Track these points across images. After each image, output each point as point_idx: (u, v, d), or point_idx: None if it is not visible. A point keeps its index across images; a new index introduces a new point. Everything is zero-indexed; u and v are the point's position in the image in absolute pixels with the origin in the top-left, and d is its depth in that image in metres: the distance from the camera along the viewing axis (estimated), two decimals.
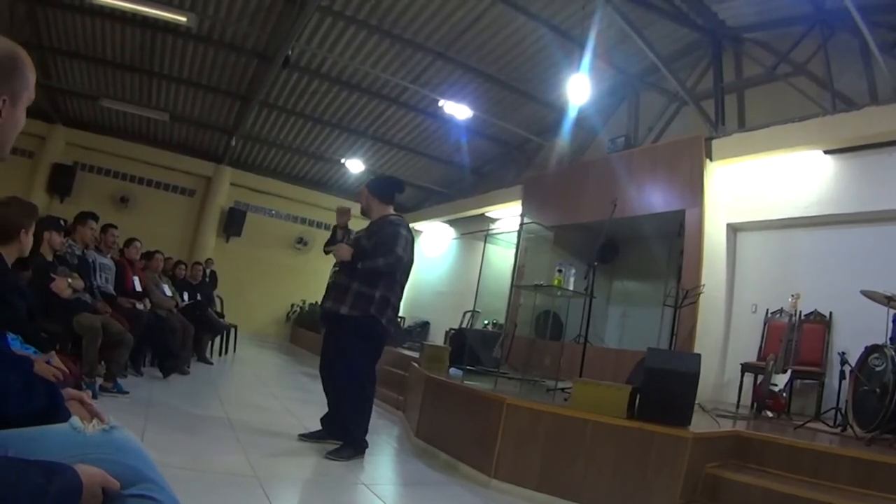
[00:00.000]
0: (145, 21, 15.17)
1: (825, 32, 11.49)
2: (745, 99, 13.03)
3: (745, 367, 10.48)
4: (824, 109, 10.84)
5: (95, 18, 15.50)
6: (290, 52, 14.61)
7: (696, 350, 10.14)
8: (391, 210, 7.34)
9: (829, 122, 10.45)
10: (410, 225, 7.43)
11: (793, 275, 11.04)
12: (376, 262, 6.72)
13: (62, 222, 8.06)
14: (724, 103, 12.92)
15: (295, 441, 6.99)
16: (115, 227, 9.70)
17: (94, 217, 8.92)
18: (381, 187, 7.42)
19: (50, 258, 7.10)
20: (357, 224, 7.44)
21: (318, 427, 7.16)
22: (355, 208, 7.70)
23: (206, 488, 4.70)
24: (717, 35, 13.33)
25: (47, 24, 16.01)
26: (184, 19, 13.91)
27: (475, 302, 15.00)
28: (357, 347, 6.84)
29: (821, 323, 10.32)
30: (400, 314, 21.90)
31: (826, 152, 10.81)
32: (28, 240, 4.81)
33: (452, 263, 22.68)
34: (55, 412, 2.10)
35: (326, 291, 7.13)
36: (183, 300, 12.45)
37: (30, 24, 15.72)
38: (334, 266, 7.26)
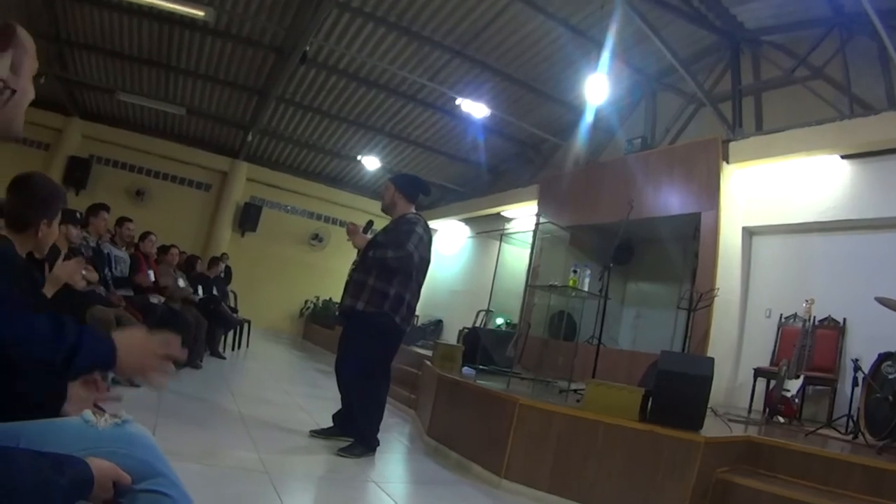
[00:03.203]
0: (162, 15, 15.26)
1: (843, 36, 11.46)
2: (763, 102, 13.00)
3: (758, 372, 10.45)
4: (842, 113, 10.81)
5: (113, 12, 15.58)
6: (307, 48, 14.70)
7: (710, 354, 10.13)
8: (413, 209, 7.35)
9: (846, 126, 10.42)
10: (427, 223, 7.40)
11: (807, 280, 11.01)
12: (386, 253, 6.75)
13: (79, 215, 8.07)
14: (741, 106, 12.90)
15: (306, 437, 7.00)
16: (131, 221, 9.72)
17: (106, 208, 8.91)
18: (408, 185, 7.43)
19: (65, 250, 7.11)
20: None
21: (330, 423, 7.17)
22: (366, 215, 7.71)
23: (217, 483, 4.71)
24: (736, 37, 13.31)
25: (65, 17, 16.10)
26: (202, 14, 13.94)
27: (489, 301, 15.01)
28: (371, 344, 6.85)
29: (834, 329, 10.30)
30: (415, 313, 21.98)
31: (843, 157, 10.78)
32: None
33: (467, 262, 22.69)
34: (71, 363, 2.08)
35: (345, 288, 7.15)
36: (197, 294, 12.45)
37: (47, 17, 15.78)
38: (353, 263, 7.25)
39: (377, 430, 6.90)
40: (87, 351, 1.99)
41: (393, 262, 6.71)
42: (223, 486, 4.73)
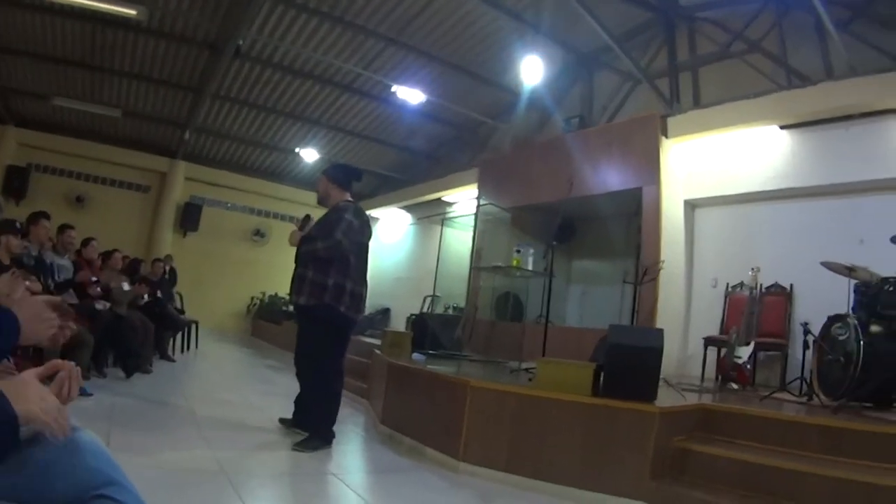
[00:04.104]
0: (94, 15, 14.99)
1: (779, 10, 11.58)
2: (700, 77, 13.10)
3: (708, 341, 10.56)
4: (779, 86, 10.95)
5: (44, 14, 15.29)
6: (240, 42, 14.60)
7: (658, 326, 10.22)
8: (347, 197, 7.36)
9: (784, 97, 10.58)
10: (367, 212, 7.42)
11: (752, 249, 11.14)
12: (315, 245, 6.84)
13: (18, 225, 7.97)
14: (678, 81, 13.03)
15: (262, 435, 7.00)
16: (73, 228, 9.62)
17: (46, 216, 8.84)
18: (339, 174, 7.47)
19: (7, 262, 7.02)
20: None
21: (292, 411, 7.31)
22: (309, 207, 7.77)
23: (175, 487, 4.67)
24: (671, 14, 13.41)
25: None
26: (133, 13, 13.78)
27: (434, 286, 15.01)
28: (317, 337, 6.92)
29: (781, 295, 10.47)
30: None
31: (782, 127, 10.90)
32: None
33: (410, 249, 22.72)
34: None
35: (290, 285, 7.18)
36: (143, 298, 12.33)
37: None
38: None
39: (333, 423, 6.92)
40: (6, 327, 1.99)
41: (323, 252, 6.77)
42: (181, 490, 4.69)
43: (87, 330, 8.25)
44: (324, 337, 6.91)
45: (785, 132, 10.91)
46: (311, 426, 6.83)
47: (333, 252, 6.75)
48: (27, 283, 6.64)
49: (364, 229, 7.16)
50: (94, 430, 2.07)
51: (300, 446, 6.52)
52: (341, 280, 6.82)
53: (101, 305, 9.76)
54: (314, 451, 6.51)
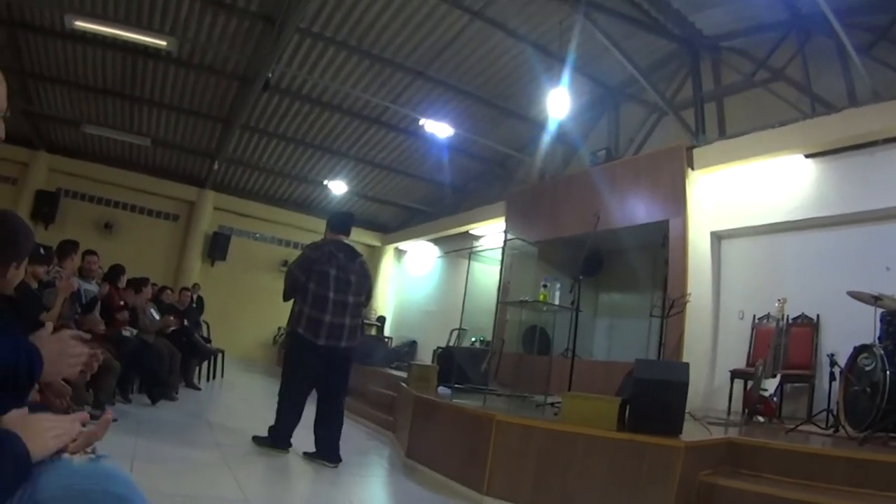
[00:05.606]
0: (126, 46, 15.11)
1: (801, 37, 11.58)
2: (725, 107, 13.08)
3: (735, 374, 10.54)
4: (804, 113, 10.90)
5: (77, 44, 15.45)
6: (270, 75, 14.59)
7: (685, 359, 10.16)
8: (336, 238, 8.00)
9: (809, 125, 10.53)
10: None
11: (778, 280, 11.10)
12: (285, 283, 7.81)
13: (42, 249, 8.00)
14: (703, 112, 12.98)
15: (287, 463, 7.02)
16: (95, 254, 9.69)
17: (77, 246, 8.90)
18: (334, 219, 8.26)
19: (35, 286, 7.06)
20: None
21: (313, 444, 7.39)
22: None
23: None
24: (695, 44, 13.40)
25: (28, 50, 15.93)
26: (164, 43, 13.91)
27: (461, 320, 14.99)
28: (288, 358, 7.91)
29: (808, 326, 10.38)
30: (388, 334, 21.94)
31: (807, 156, 10.88)
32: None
33: (438, 282, 22.72)
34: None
35: None
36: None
37: (10, 50, 15.64)
38: None
39: (288, 434, 7.44)
40: (37, 361, 1.99)
41: (285, 283, 7.76)
42: None
43: (114, 356, 8.28)
44: (290, 357, 7.76)
45: (810, 161, 10.91)
46: (271, 427, 7.51)
47: (288, 280, 7.62)
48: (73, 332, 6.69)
49: (327, 259, 7.63)
50: (118, 456, 2.08)
51: (256, 439, 7.61)
52: (302, 307, 7.51)
53: (127, 332, 9.80)
54: (259, 446, 7.47)
